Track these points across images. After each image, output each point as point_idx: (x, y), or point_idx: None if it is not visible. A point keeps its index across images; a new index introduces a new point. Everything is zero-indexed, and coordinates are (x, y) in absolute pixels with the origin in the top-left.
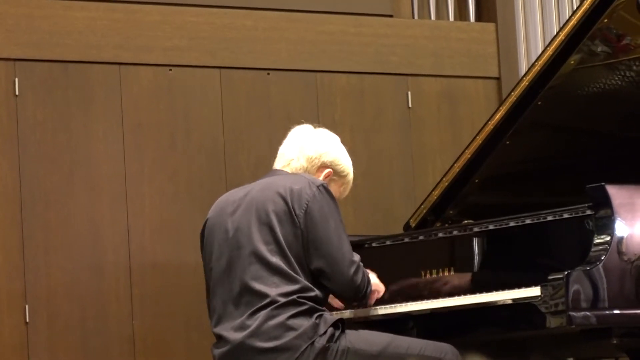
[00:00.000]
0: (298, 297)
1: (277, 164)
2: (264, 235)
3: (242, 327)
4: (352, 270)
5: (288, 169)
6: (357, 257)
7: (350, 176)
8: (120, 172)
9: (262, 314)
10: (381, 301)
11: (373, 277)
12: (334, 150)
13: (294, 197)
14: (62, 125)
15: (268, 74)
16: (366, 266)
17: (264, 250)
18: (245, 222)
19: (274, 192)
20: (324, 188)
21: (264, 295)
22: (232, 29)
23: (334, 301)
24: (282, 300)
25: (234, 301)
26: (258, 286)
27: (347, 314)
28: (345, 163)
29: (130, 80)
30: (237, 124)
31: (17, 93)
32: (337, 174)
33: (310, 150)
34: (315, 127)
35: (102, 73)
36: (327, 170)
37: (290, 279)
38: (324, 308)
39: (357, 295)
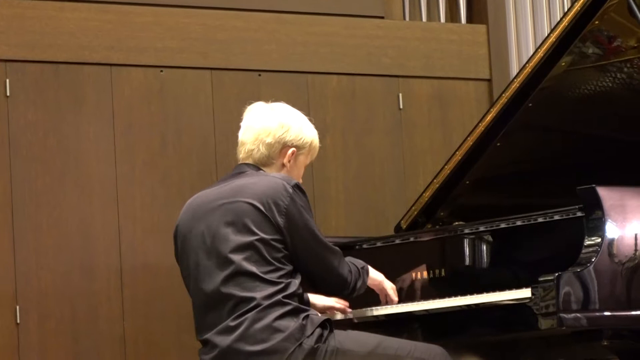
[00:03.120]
0: (283, 298)
1: (240, 155)
2: (242, 243)
3: (227, 331)
4: (337, 261)
5: (251, 160)
6: (337, 249)
7: (315, 141)
8: (111, 174)
9: (248, 317)
10: (372, 302)
11: (379, 275)
12: (292, 127)
13: (270, 204)
14: (53, 126)
15: (259, 75)
16: None
17: (241, 258)
18: (222, 230)
19: (247, 199)
20: (298, 188)
21: (249, 299)
22: (223, 31)
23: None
24: (267, 302)
25: (216, 307)
26: (240, 293)
27: (338, 315)
28: (306, 133)
29: (122, 81)
30: (228, 125)
31: (8, 94)
32: (301, 147)
33: (267, 136)
34: (268, 105)
35: (94, 74)
36: (290, 151)
37: (271, 282)
38: (309, 308)
39: (346, 287)
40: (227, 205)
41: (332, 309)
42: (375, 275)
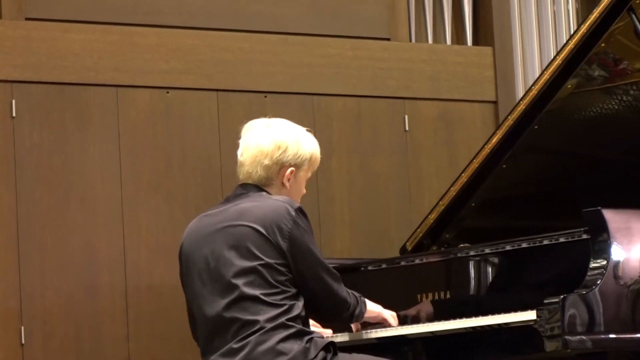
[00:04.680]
0: (286, 320)
1: (240, 175)
2: (245, 268)
3: (231, 353)
4: (337, 285)
5: (251, 181)
6: (337, 273)
7: (315, 154)
8: (116, 194)
9: (252, 339)
10: (376, 325)
11: (377, 307)
12: (289, 146)
13: (273, 228)
14: (58, 147)
15: (265, 96)
16: (362, 290)
17: (244, 283)
18: (226, 253)
19: (250, 223)
20: (301, 211)
21: (252, 322)
22: (229, 52)
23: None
24: (270, 325)
25: (220, 330)
26: (243, 316)
27: (342, 337)
28: (304, 150)
29: (127, 102)
30: (233, 146)
31: (14, 115)
32: (300, 165)
33: (264, 158)
34: (265, 122)
35: (99, 95)
36: (289, 170)
37: (274, 305)
38: (312, 330)
39: (345, 310)
40: (230, 228)
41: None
42: (373, 308)
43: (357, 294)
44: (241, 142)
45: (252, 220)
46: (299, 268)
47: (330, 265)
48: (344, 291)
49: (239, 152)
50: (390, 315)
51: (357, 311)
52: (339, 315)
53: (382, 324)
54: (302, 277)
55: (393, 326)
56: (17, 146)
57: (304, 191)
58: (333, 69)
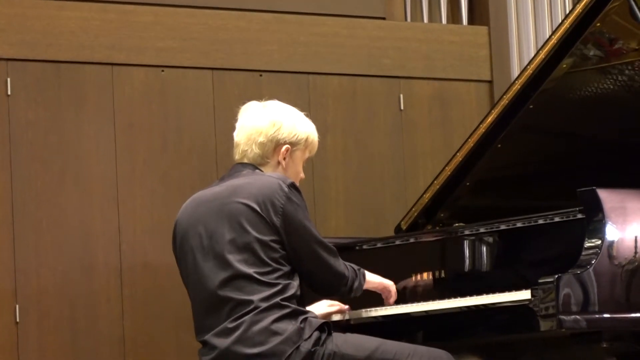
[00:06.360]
0: (281, 300)
1: (236, 156)
2: (239, 245)
3: (225, 333)
4: (333, 259)
5: (246, 160)
6: (333, 247)
7: (312, 136)
8: (111, 173)
9: (246, 319)
10: (371, 303)
11: (377, 277)
12: (284, 124)
13: (266, 204)
14: (54, 125)
15: (260, 75)
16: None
17: (238, 260)
18: (219, 231)
19: (243, 199)
20: (294, 187)
21: (247, 302)
22: (224, 30)
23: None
24: (264, 305)
25: (214, 309)
26: (238, 296)
27: (335, 316)
28: (300, 129)
29: (123, 80)
30: (228, 125)
31: (9, 93)
32: (295, 144)
33: (259, 136)
34: (262, 103)
35: (95, 73)
36: (283, 148)
37: (268, 284)
38: (307, 310)
39: (343, 284)
40: (224, 206)
41: (330, 314)
42: (373, 278)
43: (355, 267)
44: (237, 123)
45: (245, 197)
46: (293, 244)
47: None
48: (341, 265)
49: (234, 133)
50: (391, 285)
51: (355, 284)
52: (338, 290)
53: (379, 301)
54: (296, 254)
55: (391, 302)
56: (12, 124)
57: (302, 175)
58: (329, 48)
